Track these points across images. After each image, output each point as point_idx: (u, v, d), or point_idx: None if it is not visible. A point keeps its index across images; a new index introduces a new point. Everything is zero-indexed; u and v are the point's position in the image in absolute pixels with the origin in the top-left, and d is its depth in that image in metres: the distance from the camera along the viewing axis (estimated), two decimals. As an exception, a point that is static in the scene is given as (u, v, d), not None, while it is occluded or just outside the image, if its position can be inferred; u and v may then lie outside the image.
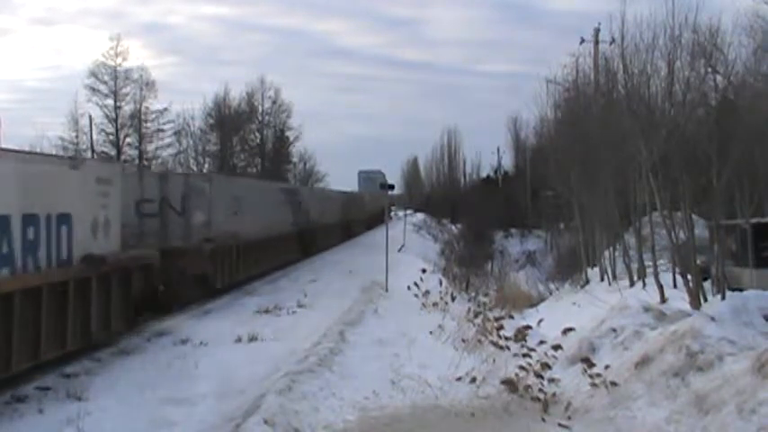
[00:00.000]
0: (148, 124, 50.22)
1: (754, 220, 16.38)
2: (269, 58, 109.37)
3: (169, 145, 51.42)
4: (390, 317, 15.00)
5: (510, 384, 8.93)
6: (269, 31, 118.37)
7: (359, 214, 49.31)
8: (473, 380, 9.38)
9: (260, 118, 58.24)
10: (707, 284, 16.17)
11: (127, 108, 49.19)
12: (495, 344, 11.15)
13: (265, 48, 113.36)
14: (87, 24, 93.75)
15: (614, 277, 22.90)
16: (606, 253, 24.56)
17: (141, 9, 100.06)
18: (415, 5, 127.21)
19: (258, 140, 58.15)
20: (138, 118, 49.36)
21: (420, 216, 64.78)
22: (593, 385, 8.70)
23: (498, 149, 72.06)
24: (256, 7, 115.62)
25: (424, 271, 19.56)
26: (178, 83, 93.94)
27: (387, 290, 18.86)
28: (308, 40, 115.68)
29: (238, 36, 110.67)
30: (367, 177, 72.40)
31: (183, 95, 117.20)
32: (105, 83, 48.29)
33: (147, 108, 49.70)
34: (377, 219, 56.89)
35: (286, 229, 24.93)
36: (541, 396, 8.70)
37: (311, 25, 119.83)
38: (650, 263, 19.48)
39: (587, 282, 24.98)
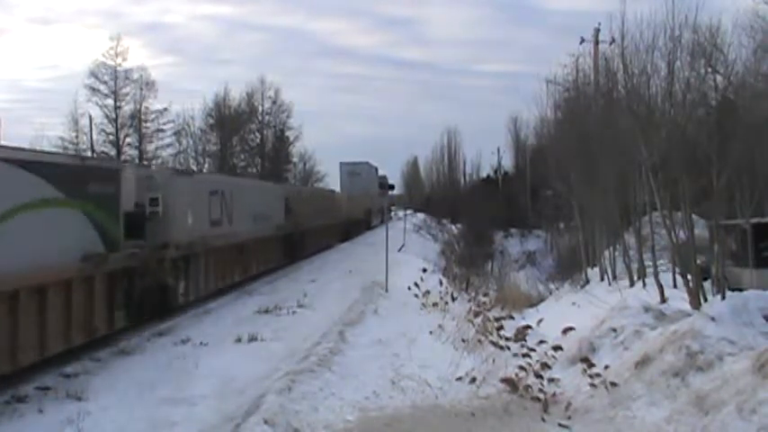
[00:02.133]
0: (148, 124, 50.27)
1: (754, 220, 16.38)
2: (268, 58, 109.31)
3: (169, 145, 51.52)
4: (390, 317, 14.99)
5: (510, 384, 8.95)
6: (268, 30, 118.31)
7: (325, 220, 32.40)
8: (473, 380, 9.38)
9: (260, 118, 58.30)
10: (707, 284, 16.15)
11: (127, 108, 49.27)
12: (495, 344, 11.17)
13: (264, 47, 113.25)
14: (85, 24, 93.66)
15: (614, 277, 22.89)
16: (606, 253, 24.55)
17: (138, 9, 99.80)
18: (415, 5, 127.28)
19: (258, 140, 58.20)
20: (138, 118, 49.40)
21: (420, 216, 64.73)
22: (593, 385, 8.71)
23: (498, 149, 72.21)
24: (255, 6, 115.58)
25: (424, 271, 19.62)
26: (176, 83, 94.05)
27: (387, 290, 18.85)
28: (308, 39, 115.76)
29: (237, 36, 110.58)
30: (352, 171, 56.60)
31: (181, 95, 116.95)
32: (105, 83, 48.33)
33: (147, 108, 49.79)
34: (360, 225, 45.20)
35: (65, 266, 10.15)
36: (541, 396, 8.71)
37: (310, 24, 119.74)
38: (650, 263, 19.47)
39: (587, 282, 24.97)
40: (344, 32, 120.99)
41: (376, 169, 59.00)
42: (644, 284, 19.68)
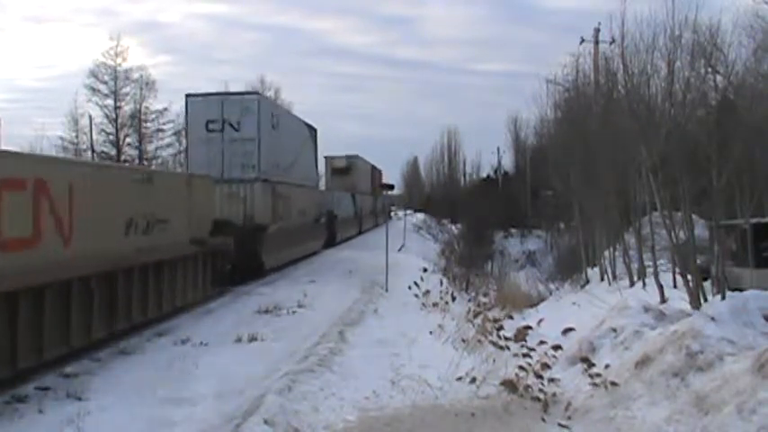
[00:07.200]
0: (148, 124, 50.34)
1: (754, 220, 16.36)
2: (266, 58, 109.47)
3: (169, 145, 51.51)
4: (390, 317, 15.00)
5: (510, 384, 8.93)
6: (265, 29, 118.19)
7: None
8: (473, 380, 9.38)
9: (260, 118, 58.11)
10: (707, 284, 16.14)
11: (127, 108, 49.33)
12: (495, 344, 11.16)
13: (262, 47, 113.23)
14: (80, 23, 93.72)
15: (614, 277, 22.86)
16: (606, 253, 24.52)
17: (134, 7, 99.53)
18: (414, 4, 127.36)
19: (258, 140, 58.05)
20: (138, 118, 49.45)
21: (420, 216, 64.71)
22: (593, 385, 8.70)
23: (498, 149, 72.18)
24: (251, 5, 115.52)
25: (424, 270, 19.62)
26: (173, 82, 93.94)
27: (387, 290, 18.86)
28: (306, 38, 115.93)
29: (234, 35, 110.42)
30: (211, 115, 21.26)
31: (179, 95, 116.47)
32: (105, 83, 48.43)
33: (147, 108, 49.84)
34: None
35: None
36: (541, 396, 8.71)
37: (308, 24, 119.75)
38: (650, 263, 19.46)
39: (587, 282, 24.93)
40: (343, 32, 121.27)
41: (313, 131, 29.87)
42: (644, 284, 19.65)
